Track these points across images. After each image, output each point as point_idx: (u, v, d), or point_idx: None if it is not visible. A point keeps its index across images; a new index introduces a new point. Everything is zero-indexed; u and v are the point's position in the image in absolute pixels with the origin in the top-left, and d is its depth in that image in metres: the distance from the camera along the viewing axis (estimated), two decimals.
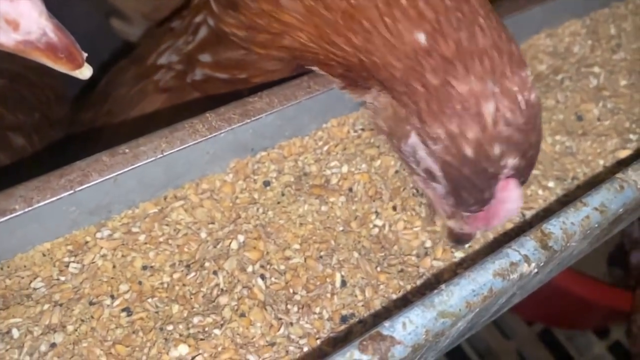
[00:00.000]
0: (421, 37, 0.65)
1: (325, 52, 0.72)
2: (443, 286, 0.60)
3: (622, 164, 0.92)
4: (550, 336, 2.22)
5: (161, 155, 0.69)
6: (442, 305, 0.59)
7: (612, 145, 0.95)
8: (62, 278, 0.71)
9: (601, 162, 0.93)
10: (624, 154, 0.93)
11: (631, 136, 0.96)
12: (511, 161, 0.65)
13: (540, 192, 0.87)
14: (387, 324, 0.57)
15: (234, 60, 0.84)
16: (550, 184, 0.89)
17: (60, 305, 0.68)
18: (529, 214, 0.84)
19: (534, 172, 0.90)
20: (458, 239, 0.79)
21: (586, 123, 0.99)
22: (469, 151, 0.64)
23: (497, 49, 0.65)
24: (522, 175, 0.68)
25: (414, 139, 0.69)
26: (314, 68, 0.78)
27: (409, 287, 0.75)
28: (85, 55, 0.55)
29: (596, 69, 1.05)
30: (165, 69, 1.00)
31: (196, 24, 0.93)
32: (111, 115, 1.09)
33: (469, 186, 0.66)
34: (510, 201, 0.67)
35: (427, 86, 0.64)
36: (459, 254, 0.79)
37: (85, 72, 0.56)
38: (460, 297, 0.60)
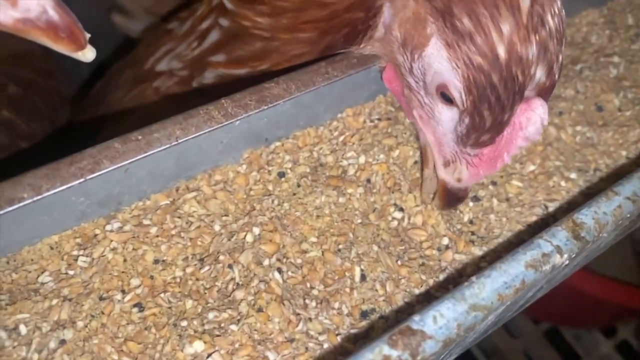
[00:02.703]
0: None
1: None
2: (474, 278, 0.57)
3: None
4: (557, 335, 2.19)
5: (175, 143, 0.66)
6: (474, 298, 0.56)
7: (635, 135, 0.92)
8: (71, 272, 0.68)
9: (623, 153, 0.90)
10: None
11: None
12: (539, 73, 0.62)
13: (562, 183, 0.84)
14: (417, 317, 0.54)
15: (254, 52, 0.81)
16: (573, 176, 0.86)
17: (70, 300, 0.65)
18: (552, 206, 0.82)
19: (556, 163, 0.87)
20: (450, 197, 0.75)
21: (607, 114, 0.96)
22: (501, 50, 0.60)
23: None
24: (543, 98, 0.65)
25: (432, 47, 0.65)
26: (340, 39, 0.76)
27: (431, 282, 0.73)
28: (88, 35, 0.52)
29: (616, 59, 1.03)
30: (166, 76, 0.97)
31: (203, 30, 0.91)
32: (107, 119, 1.06)
33: (494, 99, 0.62)
34: (532, 123, 0.64)
35: None
36: (478, 249, 0.76)
37: (88, 54, 0.52)
38: (492, 289, 0.57)
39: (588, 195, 0.84)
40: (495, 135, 0.66)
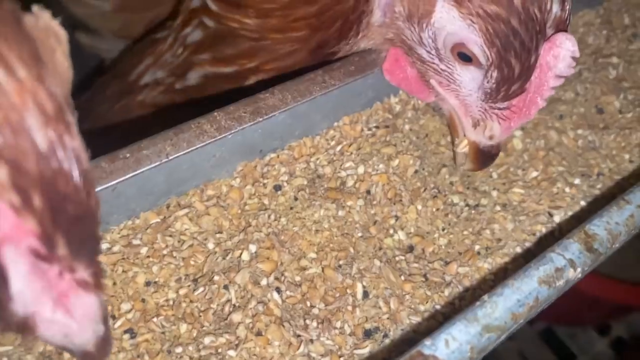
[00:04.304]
0: None
1: None
2: (486, 297, 0.55)
3: None
4: (552, 334, 2.19)
5: (166, 160, 0.63)
6: (486, 318, 0.53)
7: (637, 138, 0.90)
8: None
9: (626, 156, 0.88)
10: None
11: None
12: (555, 6, 0.61)
13: (567, 189, 0.82)
14: (428, 342, 0.51)
15: (241, 51, 0.78)
16: (577, 181, 0.83)
17: None
18: (556, 213, 0.79)
19: (559, 168, 0.85)
20: (484, 157, 0.74)
21: (607, 116, 0.94)
22: None
23: None
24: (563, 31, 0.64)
25: (440, 11, 0.64)
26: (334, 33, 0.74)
27: (436, 297, 0.70)
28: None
29: (614, 60, 1.01)
30: (150, 87, 0.94)
31: (184, 35, 0.88)
32: (92, 134, 1.01)
33: (518, 45, 0.61)
34: (561, 59, 0.63)
35: None
36: (483, 261, 0.73)
37: None
38: (505, 308, 0.54)
39: (593, 201, 0.81)
40: (524, 82, 0.65)
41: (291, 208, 0.74)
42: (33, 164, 0.35)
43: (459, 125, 0.77)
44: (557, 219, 0.79)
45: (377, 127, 0.83)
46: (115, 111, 0.97)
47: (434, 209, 0.78)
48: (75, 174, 0.37)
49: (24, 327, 0.40)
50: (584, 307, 2.06)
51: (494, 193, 0.81)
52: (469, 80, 0.68)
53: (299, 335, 0.65)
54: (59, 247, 0.37)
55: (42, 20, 0.39)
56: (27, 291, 0.38)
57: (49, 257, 0.37)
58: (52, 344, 0.44)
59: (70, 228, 0.38)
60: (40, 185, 0.35)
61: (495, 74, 0.65)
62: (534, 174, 0.84)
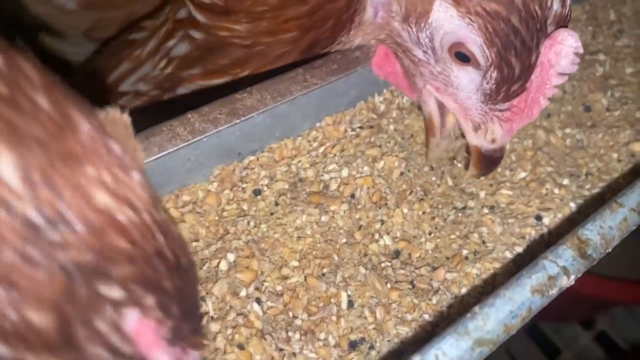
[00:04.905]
0: None
1: None
2: (477, 308, 0.52)
3: (636, 157, 0.86)
4: (537, 329, 2.19)
5: None
6: (478, 331, 0.50)
7: (625, 137, 0.88)
8: None
9: (614, 155, 0.86)
10: (638, 146, 0.86)
11: None
12: (556, 4, 0.59)
13: (556, 190, 0.80)
14: (416, 358, 0.48)
15: (234, 60, 0.74)
16: (565, 182, 0.81)
17: None
18: (546, 215, 0.77)
19: (547, 168, 0.83)
20: (487, 162, 0.73)
21: (595, 114, 0.92)
22: None
23: None
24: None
25: (438, 11, 0.62)
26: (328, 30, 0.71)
27: (424, 305, 0.67)
28: None
29: (601, 57, 0.99)
30: (132, 95, 0.89)
31: (168, 47, 0.83)
32: None
33: (519, 44, 0.59)
34: (564, 56, 0.61)
35: None
36: (471, 266, 0.71)
37: None
38: (497, 320, 0.52)
39: (582, 203, 0.79)
40: (525, 82, 0.63)
41: (272, 214, 0.71)
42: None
43: (435, 128, 0.76)
44: (547, 221, 0.76)
45: (361, 127, 0.80)
46: None
47: (421, 212, 0.75)
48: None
49: None
50: (569, 303, 2.07)
51: (482, 194, 0.79)
52: (467, 82, 0.66)
53: (281, 349, 0.62)
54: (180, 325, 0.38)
55: (111, 114, 0.40)
56: None
57: (177, 337, 0.38)
58: None
59: (180, 298, 0.37)
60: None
61: (494, 74, 0.62)
62: (522, 174, 0.81)
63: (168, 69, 0.82)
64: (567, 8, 0.62)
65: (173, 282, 0.36)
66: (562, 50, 0.60)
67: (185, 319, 0.38)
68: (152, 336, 0.36)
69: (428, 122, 0.78)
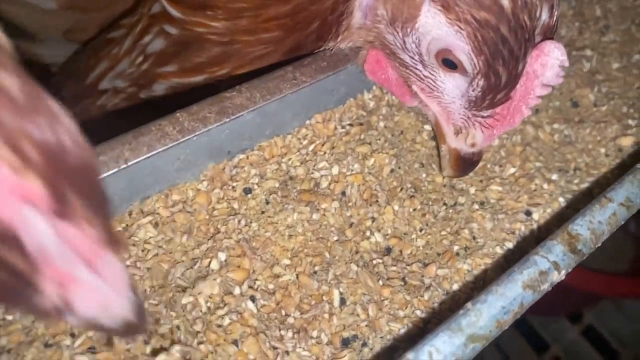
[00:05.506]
0: None
1: None
2: (469, 305, 0.52)
3: (624, 152, 0.87)
4: (525, 324, 2.21)
5: (125, 166, 0.58)
6: (471, 327, 0.51)
7: (612, 132, 0.89)
8: (9, 317, 0.59)
9: (602, 150, 0.87)
10: (625, 141, 0.87)
11: (630, 122, 0.91)
12: (544, 14, 0.60)
13: (545, 186, 0.80)
14: (410, 355, 0.48)
15: (211, 58, 0.73)
16: (554, 177, 0.82)
17: (9, 351, 0.56)
18: (535, 211, 0.77)
19: (536, 164, 0.83)
20: (464, 164, 0.73)
21: (582, 109, 0.93)
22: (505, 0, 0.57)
23: None
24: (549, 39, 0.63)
25: (425, 16, 0.62)
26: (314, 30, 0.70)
27: (416, 302, 0.67)
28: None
29: (588, 52, 1.00)
30: (110, 93, 0.88)
31: (145, 44, 0.82)
32: None
33: (507, 53, 0.59)
34: (549, 68, 0.62)
35: None
36: (462, 262, 0.71)
37: None
38: (489, 316, 0.52)
39: (571, 197, 0.80)
40: (510, 90, 0.63)
41: (262, 212, 0.70)
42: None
43: (446, 134, 0.75)
44: (536, 216, 0.77)
45: (351, 124, 0.79)
46: (72, 115, 0.90)
47: (411, 209, 0.75)
48: (66, 121, 0.33)
49: (56, 305, 0.35)
50: (558, 297, 2.08)
51: (472, 190, 0.79)
52: (453, 88, 0.66)
53: (275, 348, 0.61)
54: (69, 200, 0.33)
55: None
56: (53, 252, 0.33)
57: (62, 212, 0.33)
58: (86, 322, 0.37)
59: (76, 179, 0.33)
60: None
61: (481, 82, 0.62)
62: (512, 170, 0.82)
63: (144, 66, 0.81)
64: (555, 19, 0.62)
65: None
66: (548, 62, 0.61)
67: (83, 200, 0.34)
68: (12, 187, 0.31)
69: (435, 127, 0.76)
